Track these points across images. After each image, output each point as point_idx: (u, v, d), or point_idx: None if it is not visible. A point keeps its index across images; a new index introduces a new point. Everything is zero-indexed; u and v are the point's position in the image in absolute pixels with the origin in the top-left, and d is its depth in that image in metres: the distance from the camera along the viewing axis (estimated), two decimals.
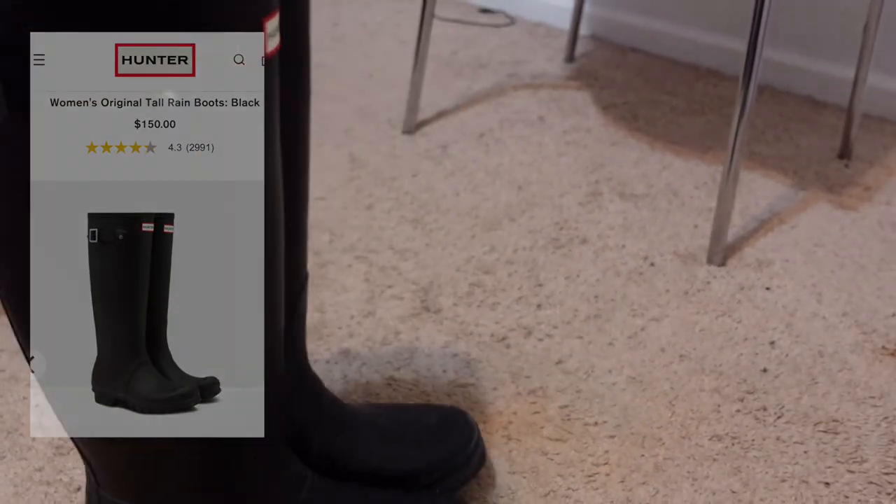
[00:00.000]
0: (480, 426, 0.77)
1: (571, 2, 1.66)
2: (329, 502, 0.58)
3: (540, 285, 0.95)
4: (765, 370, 0.83)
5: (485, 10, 1.76)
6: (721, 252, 0.99)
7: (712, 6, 1.49)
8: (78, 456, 0.73)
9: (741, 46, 0.95)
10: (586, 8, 1.61)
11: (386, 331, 0.88)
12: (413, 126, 1.28)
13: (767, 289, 0.95)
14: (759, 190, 1.14)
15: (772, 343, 0.87)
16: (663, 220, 1.07)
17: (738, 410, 0.79)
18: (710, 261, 0.99)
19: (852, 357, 0.85)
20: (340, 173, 1.17)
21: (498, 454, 0.74)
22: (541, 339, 0.88)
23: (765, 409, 0.79)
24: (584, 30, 1.64)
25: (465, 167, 1.19)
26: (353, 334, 0.88)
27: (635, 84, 1.45)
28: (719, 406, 0.79)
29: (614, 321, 0.90)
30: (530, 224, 1.06)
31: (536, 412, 0.79)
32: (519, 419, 0.78)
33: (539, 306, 0.92)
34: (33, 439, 0.75)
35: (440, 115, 1.34)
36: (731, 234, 1.04)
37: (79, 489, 0.70)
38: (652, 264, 0.99)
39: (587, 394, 0.81)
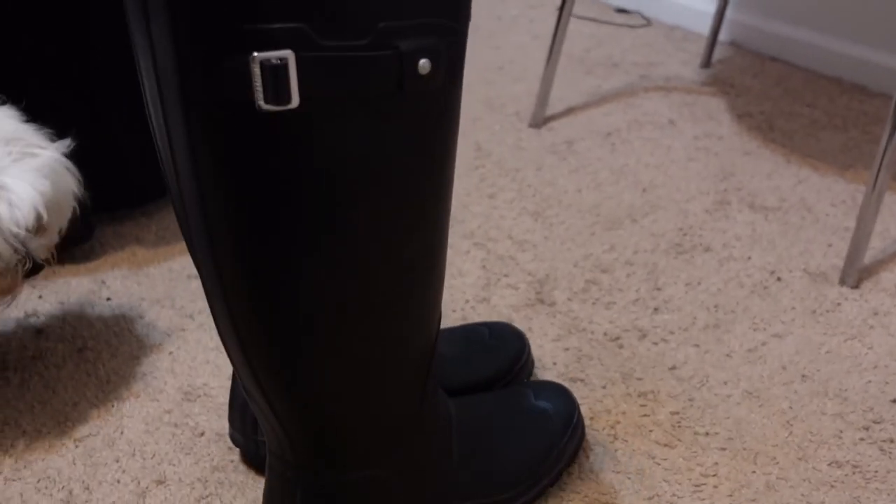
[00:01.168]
0: (587, 422, 0.76)
1: (712, 6, 1.62)
2: (470, 408, 0.66)
3: (658, 289, 0.94)
4: (895, 400, 0.79)
5: (621, 10, 1.74)
6: (856, 273, 0.94)
7: (862, 17, 1.42)
8: (203, 402, 0.77)
9: (893, 62, 0.90)
10: (728, 13, 1.56)
11: (499, 318, 0.89)
12: (540, 120, 1.28)
13: None
14: None
15: None
16: (794, 235, 1.03)
17: (861, 439, 0.75)
18: (842, 282, 0.95)
19: None
20: (465, 161, 1.18)
21: (603, 452, 0.73)
22: (655, 343, 0.86)
23: (892, 440, 0.75)
24: (723, 35, 1.59)
25: (590, 164, 1.18)
26: (466, 318, 0.89)
27: (773, 94, 1.39)
28: (841, 432, 0.76)
29: (734, 333, 0.87)
30: (653, 227, 1.04)
31: (646, 415, 0.77)
32: (627, 420, 0.77)
33: (656, 310, 0.91)
34: (165, 383, 0.80)
35: (568, 111, 1.33)
36: (869, 256, 0.99)
37: (202, 434, 0.74)
38: (779, 279, 0.96)
39: (700, 403, 0.79)
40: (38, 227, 0.68)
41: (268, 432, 0.57)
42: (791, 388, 0.81)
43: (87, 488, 0.69)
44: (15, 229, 0.64)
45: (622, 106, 1.35)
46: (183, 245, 1.00)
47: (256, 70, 0.41)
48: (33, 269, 0.69)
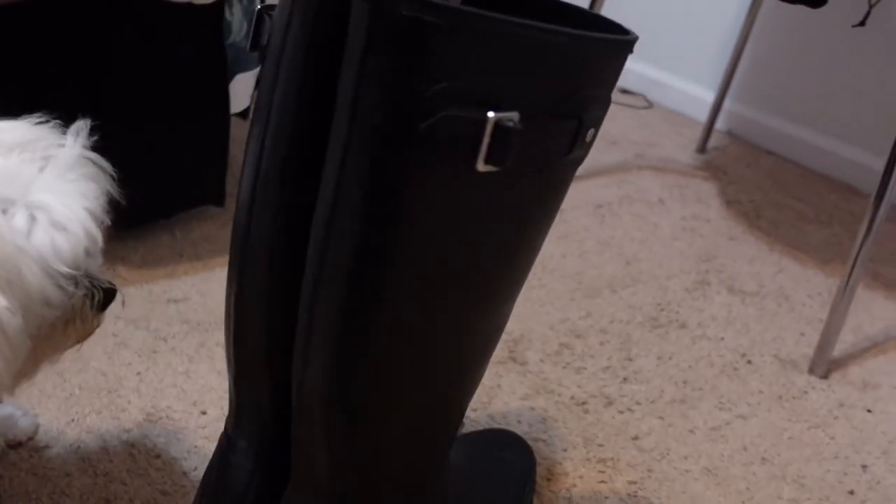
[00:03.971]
0: (544, 483, 0.76)
1: (712, 94, 1.67)
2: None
3: (630, 359, 0.95)
4: (852, 492, 0.79)
5: (625, 91, 1.79)
6: (825, 364, 0.95)
7: (858, 120, 1.46)
8: (164, 425, 0.77)
9: (881, 165, 0.93)
10: (727, 104, 1.61)
11: None
12: None
13: (869, 411, 0.90)
14: (879, 311, 1.09)
15: (864, 467, 0.83)
16: (769, 321, 1.05)
17: None
18: (811, 371, 0.96)
19: None
20: None
21: None
22: (621, 412, 0.87)
23: None
24: (721, 124, 1.63)
25: (577, 233, 1.20)
26: None
27: (764, 185, 1.43)
28: None
29: (699, 409, 0.88)
30: (631, 299, 1.06)
31: (603, 482, 0.77)
32: (584, 484, 0.77)
33: (625, 379, 0.91)
34: (129, 402, 0.80)
35: None
36: (840, 349, 1.00)
37: (158, 457, 0.74)
38: (749, 362, 0.96)
39: (658, 475, 0.79)
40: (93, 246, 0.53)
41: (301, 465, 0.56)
42: (750, 470, 0.81)
43: (33, 500, 0.69)
44: (63, 269, 0.49)
45: (616, 181, 1.38)
46: (166, 270, 1.01)
47: (488, 130, 0.41)
48: (105, 297, 0.53)
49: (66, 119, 0.94)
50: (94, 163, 0.56)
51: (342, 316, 0.46)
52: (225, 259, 1.06)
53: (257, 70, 1.12)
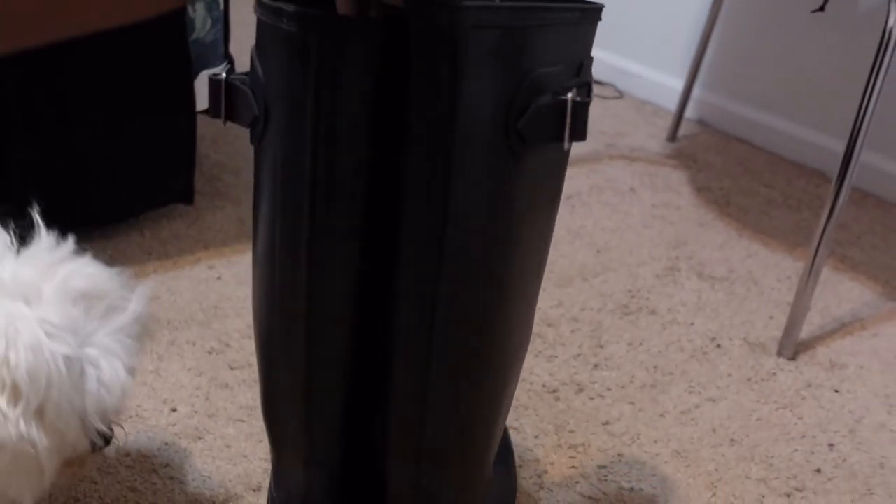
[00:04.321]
0: (516, 469, 0.77)
1: (682, 83, 1.67)
2: None
3: (601, 346, 0.95)
4: (818, 470, 0.80)
5: (596, 82, 1.79)
6: (793, 346, 0.96)
7: (825, 106, 1.48)
8: (134, 423, 0.77)
9: None
10: (696, 92, 1.62)
11: None
12: None
13: (836, 391, 0.92)
14: (845, 293, 1.11)
15: (831, 445, 0.84)
16: (738, 305, 1.06)
17: None
18: (779, 353, 0.97)
19: None
20: None
21: (527, 500, 0.74)
22: (591, 398, 0.87)
23: None
24: (691, 113, 1.64)
25: None
26: None
27: (734, 172, 1.44)
28: (763, 497, 0.77)
29: (669, 394, 0.89)
30: (602, 287, 1.07)
31: (574, 467, 0.78)
32: (555, 470, 0.77)
33: (596, 366, 0.92)
34: None
35: None
36: (808, 331, 1.01)
37: (127, 455, 0.74)
38: (718, 346, 0.98)
39: (629, 459, 0.80)
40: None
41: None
42: (719, 451, 0.82)
43: None
44: (99, 425, 0.53)
45: (586, 171, 1.39)
46: (135, 269, 1.01)
47: (569, 109, 0.45)
48: (105, 442, 0.57)
49: (29, 121, 0.93)
50: (145, 325, 0.59)
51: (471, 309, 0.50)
52: (194, 257, 1.06)
53: (223, 66, 1.11)
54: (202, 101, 1.08)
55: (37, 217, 0.56)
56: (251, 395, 0.83)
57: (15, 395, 0.48)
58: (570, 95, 0.45)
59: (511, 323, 0.52)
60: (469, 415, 0.53)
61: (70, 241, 0.57)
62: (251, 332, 0.92)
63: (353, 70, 0.46)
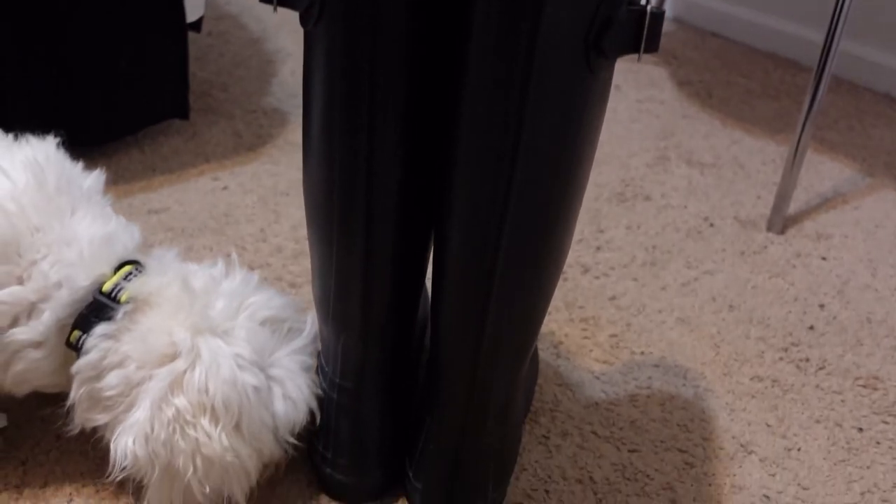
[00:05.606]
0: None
1: None
2: None
3: (601, 231, 1.00)
4: (811, 327, 0.86)
5: None
6: (781, 221, 1.01)
7: None
8: None
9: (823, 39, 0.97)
10: None
11: None
12: None
13: (823, 258, 0.97)
14: (827, 172, 1.16)
15: (821, 305, 0.90)
16: (727, 188, 1.10)
17: (780, 358, 0.82)
18: (769, 228, 1.02)
19: None
20: None
21: (546, 367, 0.79)
22: (597, 277, 0.92)
23: (807, 360, 0.82)
24: (668, 11, 1.66)
25: None
26: None
27: (713, 66, 1.47)
28: (763, 353, 0.82)
29: (669, 269, 0.94)
30: (597, 178, 1.10)
31: (587, 337, 0.83)
32: (570, 341, 0.82)
33: (598, 248, 0.96)
34: None
35: None
36: (794, 207, 1.06)
37: None
38: (711, 225, 1.02)
39: (636, 328, 0.85)
40: None
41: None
42: (719, 317, 0.87)
43: None
44: (290, 437, 0.60)
45: None
46: (141, 183, 1.02)
47: (647, 21, 0.45)
48: (295, 449, 0.63)
49: (22, 44, 0.92)
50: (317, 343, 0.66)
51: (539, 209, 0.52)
52: (197, 170, 1.07)
53: None
54: (191, 13, 1.07)
55: (234, 257, 0.64)
56: None
57: (214, 417, 0.56)
58: (648, 6, 0.45)
59: (570, 216, 0.54)
60: (529, 303, 0.55)
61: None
62: (264, 236, 0.95)
63: None
